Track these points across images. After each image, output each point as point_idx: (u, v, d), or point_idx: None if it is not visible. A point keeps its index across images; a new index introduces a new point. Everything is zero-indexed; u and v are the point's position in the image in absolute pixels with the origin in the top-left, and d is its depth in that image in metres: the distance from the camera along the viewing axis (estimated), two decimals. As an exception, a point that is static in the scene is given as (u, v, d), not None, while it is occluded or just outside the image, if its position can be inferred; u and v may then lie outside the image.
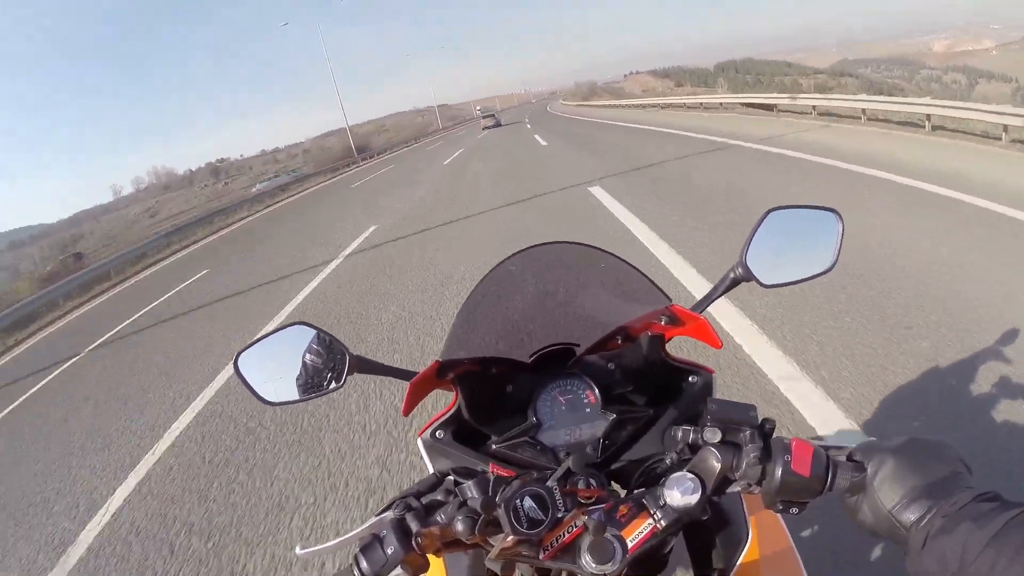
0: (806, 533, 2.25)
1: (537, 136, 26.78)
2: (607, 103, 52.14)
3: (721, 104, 24.47)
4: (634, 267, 1.08)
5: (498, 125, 50.07)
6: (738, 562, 0.94)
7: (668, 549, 0.92)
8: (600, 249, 1.11)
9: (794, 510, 0.73)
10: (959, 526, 0.58)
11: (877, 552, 2.16)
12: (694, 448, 0.78)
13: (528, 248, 1.14)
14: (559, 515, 0.72)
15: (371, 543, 0.74)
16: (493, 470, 0.81)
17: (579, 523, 0.73)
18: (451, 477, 0.86)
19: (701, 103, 26.42)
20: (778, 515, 1.03)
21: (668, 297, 1.03)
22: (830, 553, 2.17)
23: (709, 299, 1.08)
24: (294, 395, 1.08)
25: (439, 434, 1.03)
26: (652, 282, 1.06)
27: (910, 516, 0.63)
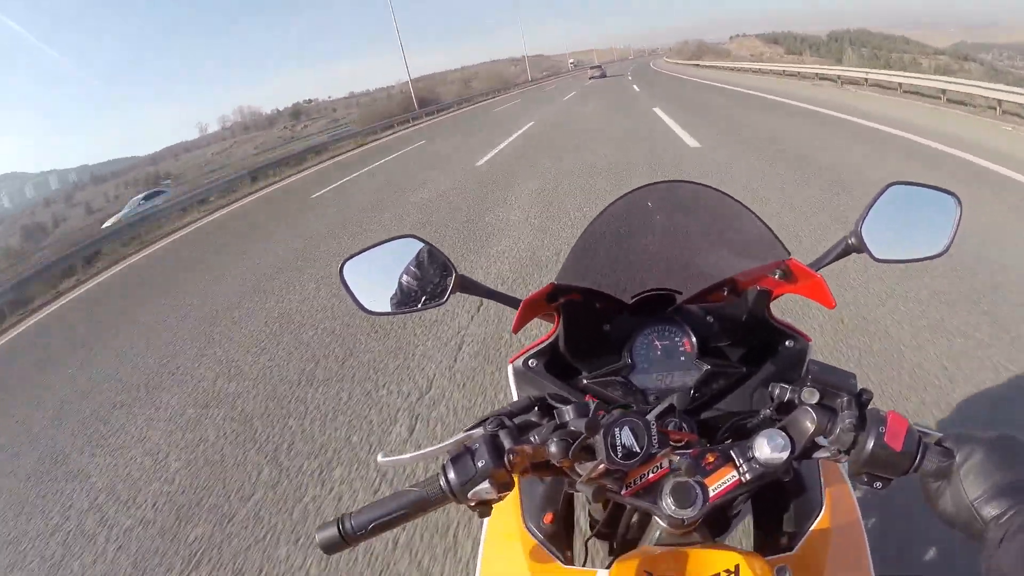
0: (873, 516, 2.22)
1: (656, 109, 18.12)
2: (715, 63, 48.49)
3: (838, 78, 21.01)
4: (757, 216, 1.05)
5: (604, 76, 56.31)
6: (810, 530, 0.94)
7: (736, 512, 0.93)
8: (725, 194, 1.09)
9: (878, 484, 0.72)
10: None
11: (940, 545, 2.11)
12: (788, 408, 0.78)
13: (650, 185, 1.12)
14: (652, 451, 0.73)
15: (462, 454, 0.74)
16: (591, 400, 0.82)
17: (667, 463, 0.74)
18: (545, 402, 0.86)
19: (838, 76, 21.47)
20: (852, 493, 1.02)
21: (787, 251, 1.01)
22: (894, 537, 2.14)
23: (820, 263, 1.06)
24: (395, 307, 1.11)
25: (532, 363, 1.05)
26: (773, 234, 1.03)
27: (991, 511, 0.62)
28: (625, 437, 0.72)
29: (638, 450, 0.72)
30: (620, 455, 0.72)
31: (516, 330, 1.02)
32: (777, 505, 1.00)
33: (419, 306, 1.11)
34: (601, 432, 0.72)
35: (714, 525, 0.91)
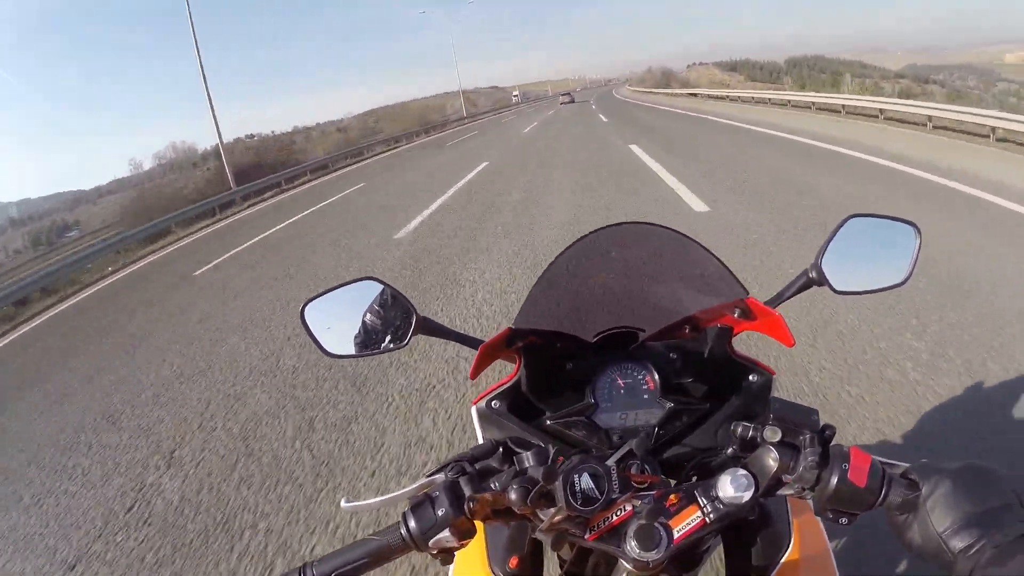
0: (843, 544, 2.25)
1: (634, 147, 15.45)
2: (688, 91, 46.66)
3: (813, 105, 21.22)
4: (713, 254, 1.06)
5: (573, 101, 66.60)
6: (779, 563, 0.94)
7: (705, 548, 0.92)
8: (681, 233, 1.09)
9: (843, 520, 0.72)
10: (1011, 559, 0.57)
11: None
12: (751, 445, 0.77)
13: (608, 227, 1.12)
14: (613, 496, 0.72)
15: (422, 502, 0.74)
16: (551, 445, 0.81)
17: (629, 507, 0.73)
18: (505, 446, 0.86)
19: (842, 105, 19.39)
20: (819, 523, 1.04)
21: (745, 290, 1.02)
22: (865, 567, 2.17)
23: (780, 298, 1.07)
24: (356, 350, 1.10)
25: (495, 404, 1.04)
26: (730, 272, 1.04)
27: (960, 543, 0.62)
28: (585, 483, 0.71)
29: (598, 496, 0.71)
30: (580, 502, 0.71)
31: (473, 376, 1.01)
32: (746, 540, 0.99)
33: (381, 348, 1.10)
34: (560, 479, 0.71)
35: (683, 562, 0.90)
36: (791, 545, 0.96)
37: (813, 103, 21.72)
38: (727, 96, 34.46)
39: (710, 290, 1.04)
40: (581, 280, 1.11)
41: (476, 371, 1.01)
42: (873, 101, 18.15)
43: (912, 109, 15.51)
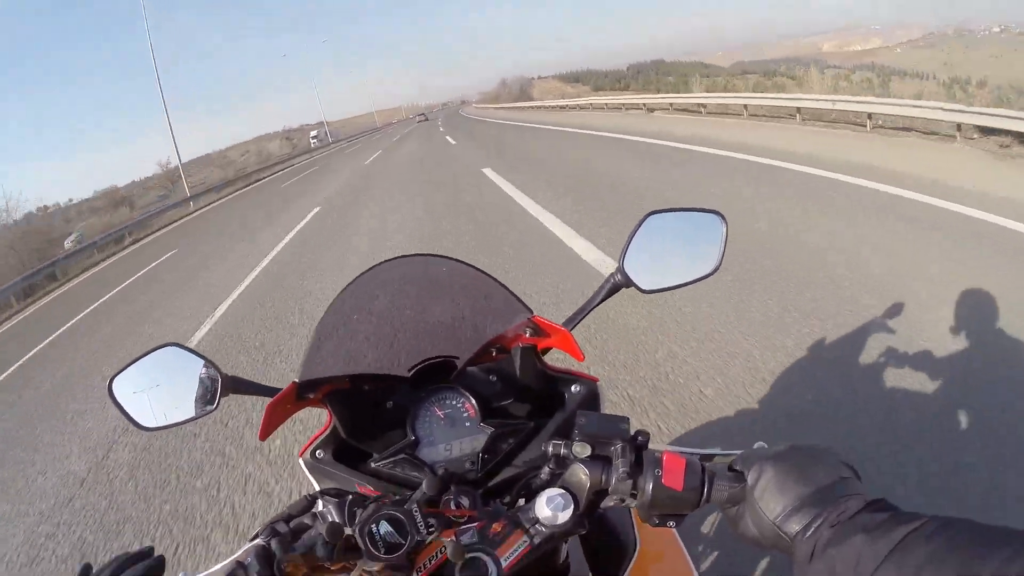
0: (703, 540, 2.24)
1: (488, 171, 13.41)
2: (536, 104, 48.53)
3: (645, 105, 22.73)
4: (494, 278, 1.08)
5: (426, 119, 74.62)
6: (626, 573, 0.93)
7: (564, 557, 0.91)
8: (461, 262, 1.10)
9: (671, 523, 0.71)
10: (851, 537, 0.56)
11: (770, 559, 2.17)
12: (564, 463, 0.76)
13: (387, 260, 1.12)
14: (419, 538, 0.70)
15: (233, 572, 0.71)
16: (361, 491, 0.79)
17: (449, 544, 0.71)
18: (319, 500, 0.82)
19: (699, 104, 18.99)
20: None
21: (528, 308, 1.03)
22: (725, 560, 2.16)
23: (585, 310, 1.07)
24: (169, 419, 1.04)
25: (319, 454, 1.01)
26: (512, 293, 1.06)
27: (795, 526, 0.61)
28: (384, 529, 0.70)
29: (402, 541, 0.69)
30: (383, 551, 0.69)
31: (263, 437, 0.97)
32: (593, 550, 0.99)
33: (192, 414, 1.04)
34: (357, 529, 0.69)
35: (551, 573, 0.89)
36: (638, 547, 0.96)
37: (672, 104, 21.45)
38: (570, 106, 35.09)
39: (501, 313, 1.05)
40: (374, 317, 1.09)
41: (266, 431, 0.97)
42: (738, 98, 17.86)
43: (777, 102, 15.44)
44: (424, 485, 0.75)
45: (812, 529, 0.59)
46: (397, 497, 0.76)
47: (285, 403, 0.97)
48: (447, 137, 30.65)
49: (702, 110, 18.87)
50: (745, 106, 16.43)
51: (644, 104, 23.79)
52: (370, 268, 1.10)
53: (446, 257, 1.11)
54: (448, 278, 1.11)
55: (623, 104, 26.76)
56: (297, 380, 0.97)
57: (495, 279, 1.07)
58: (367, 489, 0.84)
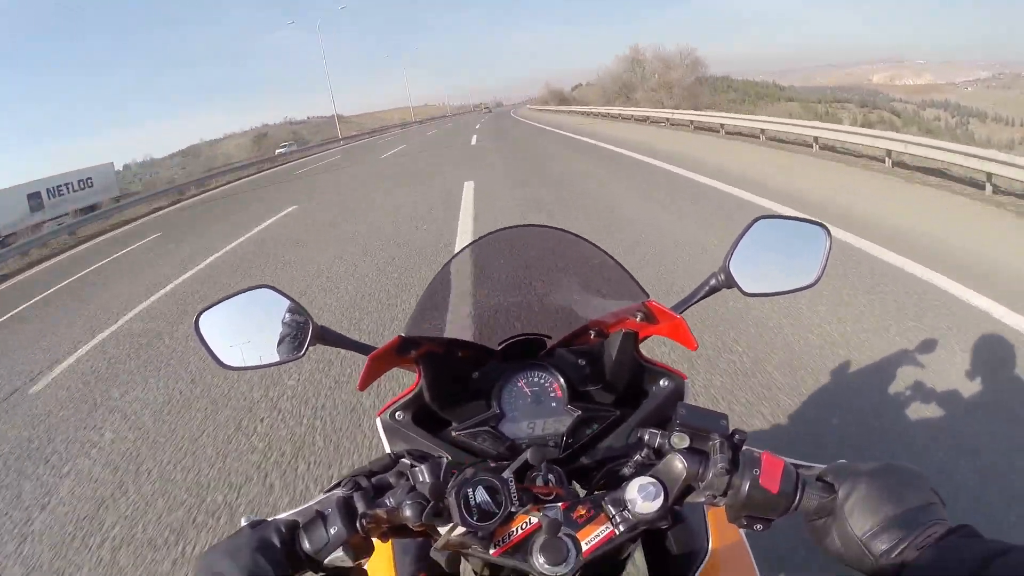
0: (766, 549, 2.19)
1: None
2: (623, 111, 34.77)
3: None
4: (612, 258, 1.05)
5: (490, 111, 73.34)
6: (698, 572, 0.92)
7: (626, 555, 0.90)
8: (580, 237, 1.08)
9: (758, 526, 0.70)
10: (936, 560, 0.56)
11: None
12: (660, 453, 0.76)
13: (504, 229, 1.10)
14: (512, 509, 0.70)
15: (314, 520, 0.71)
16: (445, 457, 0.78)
17: (534, 519, 0.71)
18: (405, 460, 0.82)
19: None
20: (741, 532, 1.01)
21: (646, 293, 1.01)
22: (790, 570, 2.15)
23: (688, 302, 1.06)
24: (252, 360, 1.05)
25: (399, 415, 1.00)
26: (631, 275, 1.03)
27: (881, 545, 0.60)
28: (480, 497, 0.69)
29: (495, 509, 0.69)
30: (476, 517, 0.68)
31: (362, 387, 0.98)
32: (663, 547, 0.98)
33: (277, 359, 1.05)
34: (453, 493, 0.68)
35: (607, 568, 0.87)
36: (708, 554, 0.95)
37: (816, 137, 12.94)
38: (624, 115, 28.47)
39: (611, 294, 1.03)
40: (478, 285, 1.09)
41: (365, 382, 0.97)
42: (880, 137, 10.94)
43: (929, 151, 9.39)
44: (529, 455, 0.73)
45: (898, 550, 0.59)
46: (493, 465, 0.75)
47: (386, 356, 0.97)
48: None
49: (761, 135, 15.10)
50: (888, 151, 10.33)
51: (723, 125, 17.66)
52: (489, 233, 1.09)
53: (566, 231, 1.08)
54: (565, 252, 1.09)
55: (692, 121, 19.98)
56: (403, 334, 0.97)
57: (613, 258, 1.05)
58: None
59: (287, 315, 1.05)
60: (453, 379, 1.03)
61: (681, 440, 0.72)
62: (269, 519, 0.74)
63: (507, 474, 0.72)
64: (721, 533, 0.98)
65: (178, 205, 21.24)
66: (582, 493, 0.87)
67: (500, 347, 1.01)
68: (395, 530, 0.73)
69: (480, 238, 1.09)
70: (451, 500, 0.68)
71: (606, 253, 1.06)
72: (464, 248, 1.09)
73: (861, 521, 0.62)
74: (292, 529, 0.72)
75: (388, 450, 0.99)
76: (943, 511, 0.62)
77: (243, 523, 0.74)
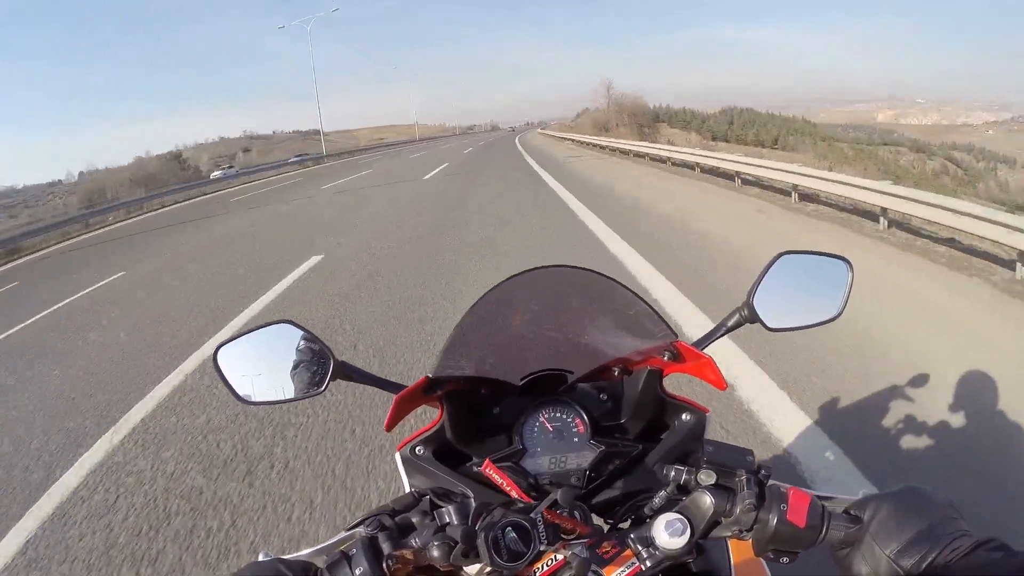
0: None
1: None
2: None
3: None
4: (640, 297, 1.05)
5: (513, 129, 66.47)
6: None
7: None
8: (606, 276, 1.08)
9: (785, 559, 0.71)
10: (967, 573, 0.57)
11: None
12: (685, 489, 0.76)
13: (531, 270, 1.10)
14: (541, 548, 0.69)
15: (338, 561, 0.70)
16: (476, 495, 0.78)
17: (561, 556, 0.71)
18: (428, 497, 0.82)
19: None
20: (763, 564, 1.00)
21: (673, 332, 1.01)
22: None
23: (711, 338, 1.06)
24: (272, 396, 1.05)
25: (419, 450, 1.00)
26: (658, 314, 1.03)
27: (910, 560, 0.61)
28: (510, 537, 0.68)
29: (525, 549, 0.68)
30: (506, 557, 0.67)
31: (388, 428, 0.96)
32: None
33: (297, 394, 1.04)
34: (482, 535, 0.67)
35: None
36: None
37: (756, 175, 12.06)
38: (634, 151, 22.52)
39: (637, 332, 1.03)
40: (502, 324, 1.09)
41: (392, 422, 0.96)
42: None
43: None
44: (559, 496, 0.72)
45: (927, 563, 0.60)
46: (522, 505, 0.75)
47: (412, 396, 0.97)
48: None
49: (793, 194, 10.41)
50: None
51: (795, 185, 10.62)
52: (511, 277, 1.08)
53: (594, 271, 1.08)
54: (585, 289, 1.09)
55: (719, 166, 14.53)
56: (430, 375, 0.97)
57: (641, 298, 1.05)
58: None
59: (307, 350, 1.05)
60: (475, 415, 1.03)
61: (708, 477, 0.73)
62: (287, 556, 0.73)
63: (535, 513, 0.71)
64: (743, 567, 0.97)
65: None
66: (605, 527, 0.86)
67: (522, 382, 1.01)
68: (421, 570, 0.72)
69: (507, 279, 1.09)
70: (480, 541, 0.67)
71: (636, 294, 1.06)
72: (491, 290, 1.08)
73: (888, 540, 0.64)
74: (311, 571, 0.71)
75: (407, 485, 0.99)
76: (965, 525, 0.64)
77: (261, 558, 0.73)
